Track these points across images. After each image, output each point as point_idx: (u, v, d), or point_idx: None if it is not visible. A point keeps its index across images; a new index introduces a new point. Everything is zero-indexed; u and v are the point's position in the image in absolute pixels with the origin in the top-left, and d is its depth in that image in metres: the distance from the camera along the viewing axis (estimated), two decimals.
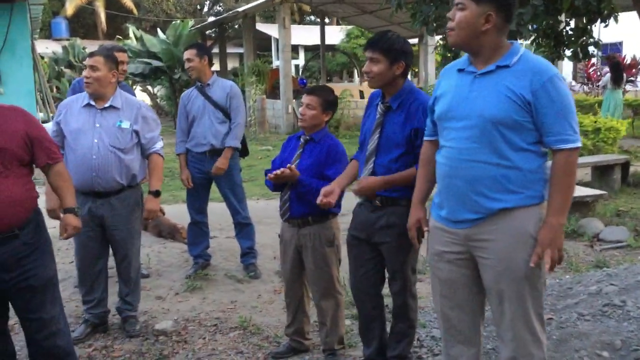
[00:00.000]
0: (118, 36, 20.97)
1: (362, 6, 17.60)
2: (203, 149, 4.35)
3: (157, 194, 3.46)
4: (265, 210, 6.50)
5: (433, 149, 2.37)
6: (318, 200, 2.73)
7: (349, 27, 22.66)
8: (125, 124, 3.30)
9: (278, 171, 2.84)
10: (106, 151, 3.23)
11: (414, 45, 24.12)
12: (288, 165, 2.86)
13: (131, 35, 17.94)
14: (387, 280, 2.93)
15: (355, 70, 26.24)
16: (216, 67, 18.21)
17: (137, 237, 3.55)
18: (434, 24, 7.23)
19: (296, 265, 3.08)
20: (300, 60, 25.58)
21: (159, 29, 19.24)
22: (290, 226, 3.05)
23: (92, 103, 3.31)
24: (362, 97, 17.82)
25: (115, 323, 3.68)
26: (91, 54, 3.31)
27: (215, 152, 4.34)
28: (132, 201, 3.41)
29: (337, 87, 18.94)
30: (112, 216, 3.34)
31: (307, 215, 2.97)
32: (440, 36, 8.15)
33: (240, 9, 14.93)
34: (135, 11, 29.00)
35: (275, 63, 22.01)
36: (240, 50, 22.23)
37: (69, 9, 27.30)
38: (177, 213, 5.89)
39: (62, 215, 2.71)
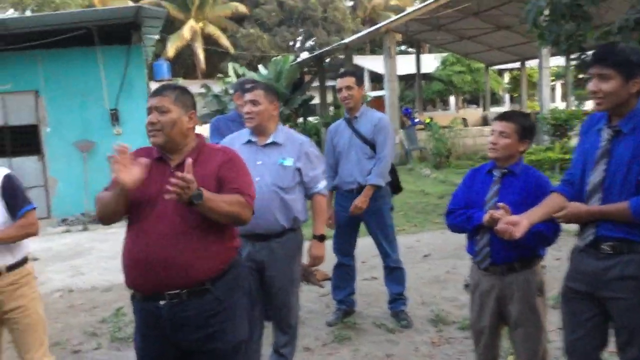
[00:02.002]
0: (219, 74, 21.52)
1: (460, 32, 17.13)
2: (350, 186, 3.99)
3: (322, 238, 3.13)
4: (401, 247, 6.03)
5: None
6: (498, 226, 2.26)
7: (444, 54, 22.14)
8: (288, 161, 3.01)
9: (497, 213, 2.36)
10: (268, 190, 2.94)
11: (515, 70, 23.25)
12: (501, 205, 2.41)
13: (231, 72, 18.32)
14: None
15: (452, 98, 25.59)
16: (316, 100, 18.31)
17: (297, 284, 3.22)
18: (566, 43, 6.68)
19: (496, 320, 2.61)
20: None
21: (260, 66, 19.60)
22: (488, 274, 2.58)
23: (254, 140, 3.06)
24: (465, 125, 17.26)
25: None
26: (250, 88, 3.06)
27: (363, 190, 3.97)
28: (293, 245, 3.10)
29: (446, 116, 18.43)
30: (272, 261, 3.04)
31: (513, 261, 2.51)
32: (574, 56, 7.45)
33: (346, 40, 14.82)
34: (232, 49, 29.99)
35: (369, 93, 21.83)
36: (335, 83, 22.25)
37: (170, 50, 28.67)
38: None
39: None
